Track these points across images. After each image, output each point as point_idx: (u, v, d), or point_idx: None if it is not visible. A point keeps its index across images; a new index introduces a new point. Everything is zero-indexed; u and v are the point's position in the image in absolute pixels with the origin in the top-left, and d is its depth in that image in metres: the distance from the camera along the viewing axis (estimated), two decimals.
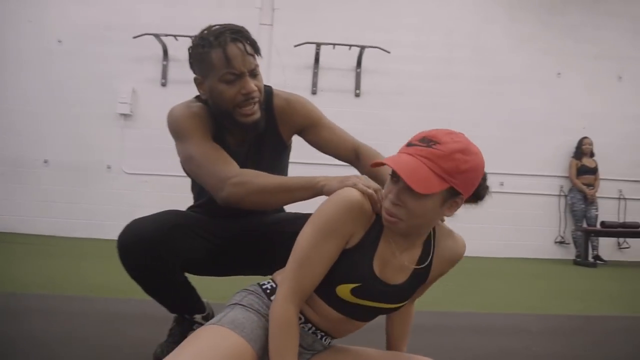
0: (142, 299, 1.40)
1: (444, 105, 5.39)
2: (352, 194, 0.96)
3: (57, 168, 5.24)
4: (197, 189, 1.48)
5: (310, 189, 1.15)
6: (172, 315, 1.48)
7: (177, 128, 1.33)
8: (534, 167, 5.62)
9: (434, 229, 1.05)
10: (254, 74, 1.28)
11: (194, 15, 5.38)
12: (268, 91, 1.41)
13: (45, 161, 5.27)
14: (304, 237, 0.96)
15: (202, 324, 1.40)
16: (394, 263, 1.00)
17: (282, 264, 1.04)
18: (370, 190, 1.00)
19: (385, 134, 5.29)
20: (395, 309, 1.06)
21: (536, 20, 5.70)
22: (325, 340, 1.06)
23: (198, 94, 1.37)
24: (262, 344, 0.94)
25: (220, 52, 1.23)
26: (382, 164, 0.92)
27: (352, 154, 1.49)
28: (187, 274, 1.38)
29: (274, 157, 1.45)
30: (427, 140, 0.89)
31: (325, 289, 0.98)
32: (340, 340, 1.11)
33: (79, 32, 5.31)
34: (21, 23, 5.36)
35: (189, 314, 1.44)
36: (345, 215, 0.94)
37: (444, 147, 0.87)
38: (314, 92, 5.42)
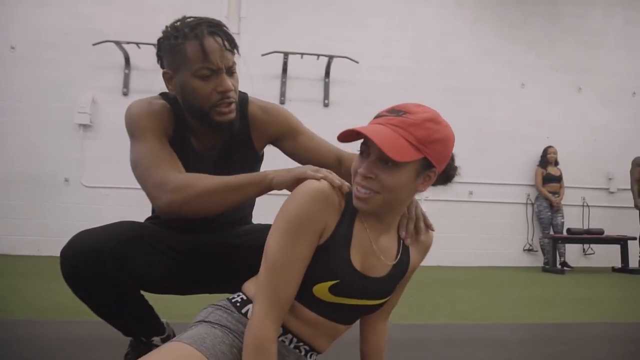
0: (95, 320, 1.25)
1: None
2: (313, 184, 0.88)
3: (9, 181, 4.93)
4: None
5: (259, 184, 1.06)
6: (128, 339, 1.33)
7: (131, 126, 1.20)
8: (502, 176, 5.70)
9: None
10: (230, 71, 1.18)
11: (157, 23, 5.16)
12: (243, 97, 1.31)
13: None
14: (273, 242, 0.87)
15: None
16: (372, 253, 0.93)
17: (240, 280, 0.94)
18: (321, 175, 0.93)
19: (355, 144, 5.27)
20: (378, 307, 0.99)
21: (499, 34, 5.84)
22: (310, 357, 0.96)
23: (163, 91, 1.27)
24: None
25: (197, 45, 1.12)
26: (353, 133, 0.86)
27: (335, 161, 1.39)
28: (143, 292, 1.25)
29: (245, 168, 1.34)
30: (396, 111, 0.86)
31: (301, 290, 0.88)
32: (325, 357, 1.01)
33: (34, 37, 5.05)
34: None
35: (145, 336, 1.29)
36: (312, 208, 0.86)
37: (415, 116, 0.85)
38: (282, 102, 5.33)
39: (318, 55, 5.13)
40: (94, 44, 4.83)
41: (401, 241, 0.99)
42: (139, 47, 4.90)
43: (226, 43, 1.16)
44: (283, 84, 5.35)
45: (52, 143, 5.00)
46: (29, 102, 4.98)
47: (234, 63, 1.19)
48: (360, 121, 4.26)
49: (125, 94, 5.15)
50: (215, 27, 1.16)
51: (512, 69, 5.83)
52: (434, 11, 5.74)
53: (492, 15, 5.87)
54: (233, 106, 1.19)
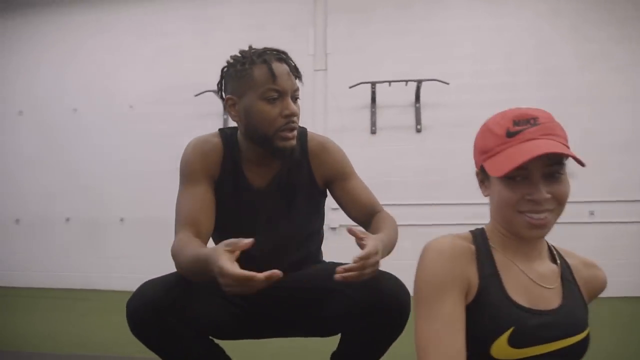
0: None
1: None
2: (432, 244, 0.85)
3: (131, 225, 5.44)
4: (215, 241, 1.35)
5: (201, 265, 1.01)
6: None
7: (180, 167, 1.27)
8: (624, 191, 5.07)
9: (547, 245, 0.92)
10: (294, 97, 1.21)
11: None
12: (302, 131, 1.32)
13: (121, 219, 5.51)
14: (417, 327, 0.80)
15: None
16: (530, 283, 0.83)
17: (325, 323, 0.88)
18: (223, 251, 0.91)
19: (451, 168, 5.06)
20: (581, 345, 0.80)
21: (606, 36, 5.33)
22: None
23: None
24: None
25: (265, 68, 1.17)
26: (519, 166, 0.77)
27: (367, 216, 1.32)
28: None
29: (310, 204, 1.31)
30: (526, 121, 0.82)
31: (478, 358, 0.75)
32: None
33: (147, 96, 5.66)
34: (95, 92, 5.83)
35: None
36: (444, 267, 0.81)
37: (545, 119, 0.83)
38: (373, 132, 5.32)
39: (406, 81, 5.07)
40: (195, 95, 5.26)
41: (559, 262, 0.89)
42: None
43: (292, 69, 1.21)
44: (373, 113, 5.35)
45: (161, 188, 5.46)
46: (142, 154, 5.53)
47: (299, 90, 1.21)
48: (455, 144, 4.15)
49: None
50: (282, 54, 1.20)
51: (623, 73, 5.25)
52: (527, 23, 5.43)
53: (595, 16, 5.39)
54: (295, 132, 1.20)
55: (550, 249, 0.90)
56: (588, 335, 0.79)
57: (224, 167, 1.26)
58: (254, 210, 1.24)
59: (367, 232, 1.12)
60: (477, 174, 0.91)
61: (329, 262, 1.37)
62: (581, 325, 0.79)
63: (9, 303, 4.35)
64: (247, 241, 0.96)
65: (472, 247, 0.86)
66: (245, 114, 1.20)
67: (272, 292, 1.13)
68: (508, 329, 0.75)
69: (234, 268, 0.91)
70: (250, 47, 1.23)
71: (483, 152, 0.87)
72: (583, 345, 0.78)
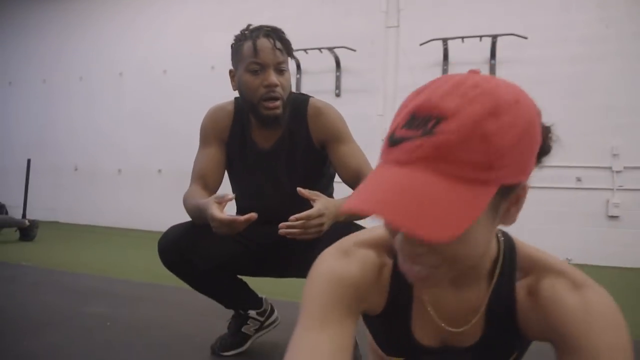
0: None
1: (595, 91, 4.68)
2: (325, 267, 0.63)
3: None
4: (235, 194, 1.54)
5: (201, 211, 1.26)
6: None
7: (199, 131, 1.51)
8: None
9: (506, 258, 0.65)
10: (279, 69, 1.32)
11: (323, 26, 5.68)
12: (303, 98, 1.43)
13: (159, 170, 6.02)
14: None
15: (257, 319, 1.51)
16: (438, 326, 0.66)
17: (302, 270, 0.98)
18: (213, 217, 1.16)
19: None
20: None
21: None
22: None
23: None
24: None
25: (250, 43, 1.31)
26: (356, 212, 0.48)
27: (354, 180, 1.37)
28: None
29: (308, 164, 1.42)
30: (422, 120, 0.48)
31: None
32: None
33: (227, 57, 6.01)
34: (181, 55, 6.31)
35: (242, 309, 1.51)
36: (340, 292, 0.60)
37: (456, 123, 0.46)
38: None
39: (480, 37, 4.85)
40: None
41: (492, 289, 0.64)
42: (306, 52, 5.39)
43: (277, 43, 1.30)
44: (444, 71, 5.20)
45: None
46: None
47: (284, 62, 1.32)
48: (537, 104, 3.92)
49: None
50: (271, 31, 1.32)
51: None
52: None
53: None
54: (278, 102, 1.31)
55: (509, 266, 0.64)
56: None
57: (233, 131, 1.43)
58: (261, 169, 1.42)
59: (320, 194, 1.22)
60: None
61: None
62: None
63: (111, 242, 5.07)
64: (231, 196, 1.22)
65: (386, 263, 0.66)
66: (238, 84, 1.37)
67: (273, 238, 1.28)
68: (400, 355, 0.69)
69: (220, 215, 1.16)
70: (248, 25, 1.37)
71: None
72: None
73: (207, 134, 1.47)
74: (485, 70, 5.03)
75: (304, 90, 5.76)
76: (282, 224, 1.14)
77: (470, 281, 0.63)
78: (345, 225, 1.21)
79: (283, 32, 1.36)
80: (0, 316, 1.86)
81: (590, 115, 4.69)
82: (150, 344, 1.56)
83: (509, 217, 0.55)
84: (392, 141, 0.50)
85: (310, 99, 1.44)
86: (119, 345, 1.53)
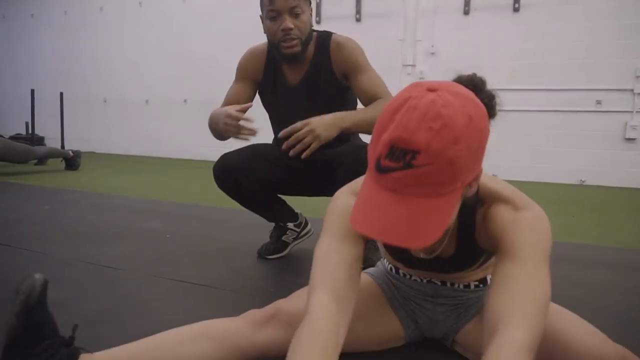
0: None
1: (626, 9, 4.55)
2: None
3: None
4: (273, 129, 1.78)
5: (217, 127, 1.50)
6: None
7: (236, 68, 1.70)
8: None
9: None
10: (294, 13, 1.49)
11: None
12: (326, 35, 1.60)
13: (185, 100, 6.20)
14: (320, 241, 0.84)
15: (294, 230, 1.79)
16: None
17: (327, 190, 1.21)
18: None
19: (549, 50, 4.79)
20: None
21: None
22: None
23: None
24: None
25: None
26: (363, 234, 0.70)
27: (371, 100, 1.55)
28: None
29: (329, 94, 1.61)
30: (401, 153, 0.61)
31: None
32: None
33: None
34: None
35: (282, 222, 1.79)
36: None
37: (428, 155, 0.60)
38: (466, 12, 5.11)
39: None
40: None
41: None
42: None
43: None
44: None
45: None
46: (245, 40, 5.97)
47: (297, 6, 1.48)
48: (556, 25, 4.12)
49: (318, 22, 5.69)
50: None
51: None
52: None
53: None
54: (295, 42, 1.50)
55: (472, 199, 0.81)
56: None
57: (267, 70, 1.64)
58: (290, 101, 1.64)
59: (304, 122, 1.43)
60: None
61: (349, 144, 1.62)
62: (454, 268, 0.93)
63: (142, 169, 5.42)
64: (247, 105, 1.48)
65: None
66: (264, 29, 1.54)
67: (303, 161, 1.48)
68: (399, 260, 0.99)
69: (232, 109, 1.44)
70: None
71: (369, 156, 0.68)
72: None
73: (241, 73, 1.69)
74: None
75: (323, 16, 5.72)
76: (284, 146, 1.39)
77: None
78: (355, 148, 1.49)
79: None
80: (79, 231, 2.18)
81: (614, 36, 4.61)
82: (206, 251, 1.86)
83: (471, 190, 0.69)
84: (380, 169, 0.63)
85: (333, 35, 1.60)
86: (181, 252, 1.84)
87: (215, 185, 1.66)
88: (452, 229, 0.85)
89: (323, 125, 1.41)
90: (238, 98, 1.65)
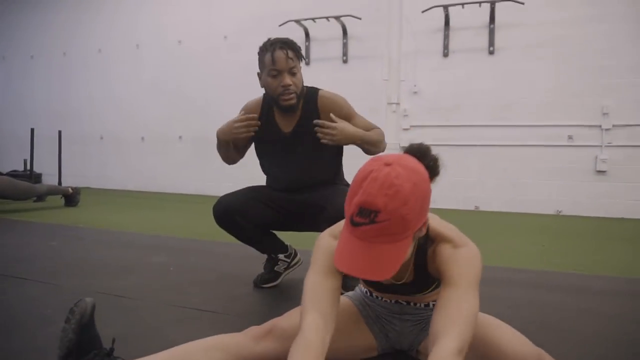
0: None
1: (594, 52, 4.95)
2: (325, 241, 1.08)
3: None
4: (264, 169, 2.03)
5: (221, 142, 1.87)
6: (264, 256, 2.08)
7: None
8: None
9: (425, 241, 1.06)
10: (292, 72, 1.76)
11: None
12: (313, 91, 1.86)
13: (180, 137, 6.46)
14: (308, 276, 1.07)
15: (285, 260, 2.03)
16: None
17: (314, 226, 1.54)
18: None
19: (523, 90, 5.16)
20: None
21: None
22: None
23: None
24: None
25: (269, 55, 1.74)
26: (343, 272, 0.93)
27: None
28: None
29: (316, 145, 1.82)
30: (367, 214, 0.84)
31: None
32: None
33: (241, 26, 6.31)
34: (195, 25, 6.60)
35: (274, 254, 2.03)
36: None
37: (387, 214, 0.83)
38: (445, 55, 5.49)
39: (480, 3, 5.08)
40: (279, 25, 5.77)
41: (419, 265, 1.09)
42: (314, 21, 5.67)
43: (290, 53, 1.74)
44: (446, 36, 5.47)
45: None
46: (235, 81, 6.29)
47: (295, 67, 1.76)
48: (529, 65, 4.57)
49: (307, 63, 6.04)
50: (285, 44, 1.76)
51: None
52: None
53: None
54: (292, 95, 1.78)
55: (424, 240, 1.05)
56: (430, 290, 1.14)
57: (262, 117, 1.91)
58: (283, 147, 1.87)
59: (339, 120, 1.79)
60: None
61: (334, 187, 1.90)
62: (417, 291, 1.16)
63: (140, 204, 5.60)
64: (252, 115, 1.81)
65: None
66: (263, 83, 1.80)
67: (294, 202, 1.87)
68: (370, 286, 1.25)
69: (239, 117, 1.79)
70: (269, 39, 1.77)
71: (345, 211, 0.91)
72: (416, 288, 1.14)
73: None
74: (484, 35, 5.30)
75: (312, 57, 6.07)
76: (316, 123, 1.77)
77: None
78: (337, 193, 1.75)
79: (294, 43, 1.78)
80: (88, 265, 2.37)
81: (583, 76, 4.99)
82: (207, 282, 2.06)
83: (421, 233, 0.93)
84: (353, 223, 0.87)
85: (320, 91, 1.87)
86: (185, 283, 2.03)
87: (212, 220, 1.89)
88: (411, 262, 1.07)
89: (344, 132, 1.77)
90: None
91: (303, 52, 1.89)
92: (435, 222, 1.06)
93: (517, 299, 1.89)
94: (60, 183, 6.50)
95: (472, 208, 5.41)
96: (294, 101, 1.79)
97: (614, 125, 4.90)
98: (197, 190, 6.53)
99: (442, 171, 1.01)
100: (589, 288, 2.08)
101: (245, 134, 1.81)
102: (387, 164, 0.86)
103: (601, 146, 4.96)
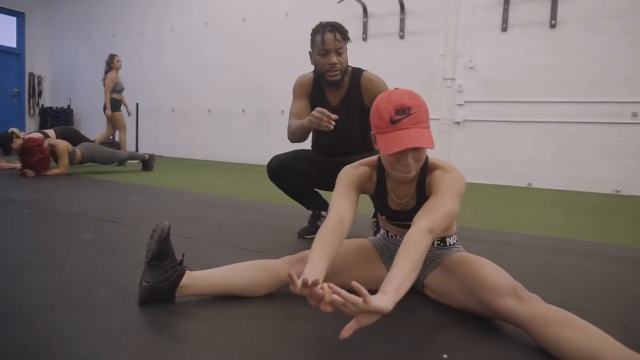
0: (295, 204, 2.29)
1: None
2: (354, 167, 1.42)
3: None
4: (313, 138, 2.26)
5: (304, 126, 1.94)
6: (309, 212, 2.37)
7: (293, 88, 2.19)
8: None
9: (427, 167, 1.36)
10: (338, 52, 1.99)
11: None
12: (359, 71, 2.09)
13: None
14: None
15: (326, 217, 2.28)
16: (394, 200, 1.42)
17: None
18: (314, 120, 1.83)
19: (584, 65, 5.01)
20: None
21: None
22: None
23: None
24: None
25: (320, 36, 1.98)
26: (405, 149, 1.19)
27: None
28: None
29: (358, 118, 2.08)
30: (403, 111, 1.19)
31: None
32: None
33: (302, 3, 6.55)
34: (259, 3, 6.92)
35: (317, 210, 2.31)
36: (356, 178, 1.40)
37: (416, 108, 1.19)
38: (504, 29, 5.42)
39: None
40: (338, 2, 5.94)
41: (418, 179, 1.36)
42: None
43: (337, 35, 1.97)
44: (505, 10, 5.40)
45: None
46: (295, 57, 6.57)
47: (342, 47, 1.98)
48: (592, 40, 4.67)
49: (364, 39, 6.19)
50: (334, 27, 1.98)
51: None
52: None
53: None
54: (337, 72, 2.00)
55: (424, 169, 1.33)
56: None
57: (314, 91, 2.17)
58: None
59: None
60: (372, 135, 1.30)
61: (373, 152, 2.11)
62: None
63: (205, 171, 6.11)
64: (332, 115, 1.87)
65: (374, 172, 1.41)
66: (313, 61, 2.04)
67: (336, 164, 2.01)
68: (384, 214, 1.47)
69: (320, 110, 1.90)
70: (320, 22, 2.00)
71: (375, 127, 1.24)
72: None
73: (297, 91, 2.19)
74: (546, 7, 5.17)
75: (370, 33, 6.21)
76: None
77: (410, 181, 1.35)
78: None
79: (342, 27, 2.01)
80: (164, 214, 2.80)
81: None
82: (259, 231, 2.40)
83: (424, 156, 1.28)
84: (394, 122, 1.20)
85: (364, 72, 2.10)
86: (241, 233, 2.38)
87: (267, 185, 2.20)
88: (413, 189, 1.38)
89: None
90: (303, 110, 2.15)
91: (361, 28, 2.11)
92: (432, 157, 1.36)
93: (533, 259, 2.06)
94: (137, 150, 7.20)
95: (525, 185, 5.40)
96: (338, 77, 2.05)
97: None
98: (256, 160, 6.97)
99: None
100: (605, 254, 2.19)
101: (325, 129, 1.87)
102: (396, 88, 1.27)
103: None
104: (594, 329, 1.02)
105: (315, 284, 0.99)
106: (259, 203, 3.37)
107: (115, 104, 6.37)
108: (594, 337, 1.00)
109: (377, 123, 1.24)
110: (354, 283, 0.96)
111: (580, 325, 1.03)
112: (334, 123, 1.86)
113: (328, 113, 1.83)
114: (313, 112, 1.88)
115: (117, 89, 6.40)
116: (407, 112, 1.17)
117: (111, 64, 6.39)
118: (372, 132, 1.29)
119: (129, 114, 6.69)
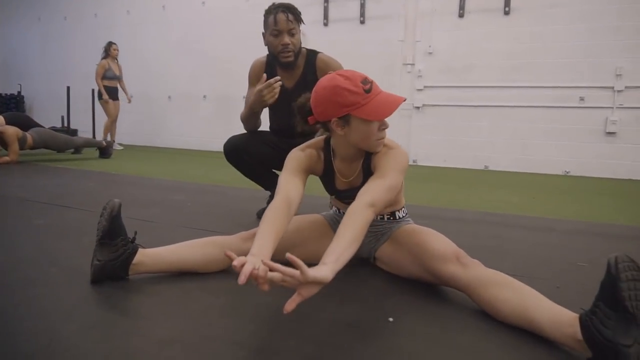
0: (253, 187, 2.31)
1: (609, 13, 4.94)
2: (301, 148, 1.44)
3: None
4: (270, 119, 2.29)
5: (253, 109, 1.99)
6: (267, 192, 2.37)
7: (248, 75, 2.21)
8: None
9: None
10: (291, 33, 2.01)
11: None
12: (313, 53, 2.11)
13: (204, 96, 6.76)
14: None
15: None
16: (340, 180, 1.45)
17: None
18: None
19: (536, 51, 5.20)
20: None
21: None
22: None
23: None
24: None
25: (272, 17, 1.99)
26: (391, 111, 1.24)
27: None
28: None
29: None
30: (367, 81, 1.25)
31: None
32: None
33: None
34: None
35: (273, 191, 2.27)
36: (304, 160, 1.42)
37: (371, 79, 1.27)
38: (460, 15, 5.55)
39: None
40: None
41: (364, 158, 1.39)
42: None
43: (289, 16, 1.99)
44: None
45: None
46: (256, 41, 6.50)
47: (294, 28, 2.00)
48: (543, 27, 4.80)
49: (325, 24, 6.19)
50: (286, 8, 2.00)
51: None
52: None
53: None
54: (290, 54, 2.02)
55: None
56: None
57: (266, 74, 2.15)
58: (286, 100, 2.11)
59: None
60: (332, 122, 1.28)
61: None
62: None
63: (166, 158, 6.01)
64: (275, 80, 1.90)
65: (321, 153, 1.43)
66: (266, 42, 2.05)
67: (291, 144, 2.05)
68: (333, 194, 1.51)
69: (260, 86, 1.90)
70: (273, 3, 2.01)
71: (345, 106, 1.22)
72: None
73: (251, 78, 2.20)
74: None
75: (331, 18, 6.21)
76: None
77: (357, 160, 1.39)
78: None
79: (295, 8, 2.03)
80: (121, 198, 2.74)
81: (597, 38, 4.99)
82: (217, 214, 2.40)
83: None
84: (367, 91, 1.23)
85: (319, 54, 2.12)
86: (199, 215, 2.37)
87: (228, 170, 2.19)
88: (359, 167, 1.41)
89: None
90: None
91: (322, 12, 2.12)
92: None
93: (483, 233, 2.16)
94: (94, 137, 6.98)
95: (482, 167, 5.59)
96: (291, 59, 2.06)
97: (626, 87, 4.94)
98: (219, 147, 6.88)
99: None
100: (551, 228, 2.32)
101: (273, 97, 1.91)
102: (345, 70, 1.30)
103: (612, 108, 5.02)
104: (526, 289, 1.09)
105: (246, 270, 0.98)
106: (220, 187, 3.36)
107: (106, 91, 6.48)
108: (526, 296, 1.07)
109: (347, 101, 1.22)
110: (288, 255, 0.91)
111: (515, 286, 1.11)
112: (280, 83, 1.89)
113: (269, 81, 1.87)
114: (257, 88, 1.90)
115: (107, 75, 6.48)
116: (369, 81, 1.24)
117: (108, 51, 6.56)
118: (332, 119, 1.28)
119: (128, 101, 6.77)
